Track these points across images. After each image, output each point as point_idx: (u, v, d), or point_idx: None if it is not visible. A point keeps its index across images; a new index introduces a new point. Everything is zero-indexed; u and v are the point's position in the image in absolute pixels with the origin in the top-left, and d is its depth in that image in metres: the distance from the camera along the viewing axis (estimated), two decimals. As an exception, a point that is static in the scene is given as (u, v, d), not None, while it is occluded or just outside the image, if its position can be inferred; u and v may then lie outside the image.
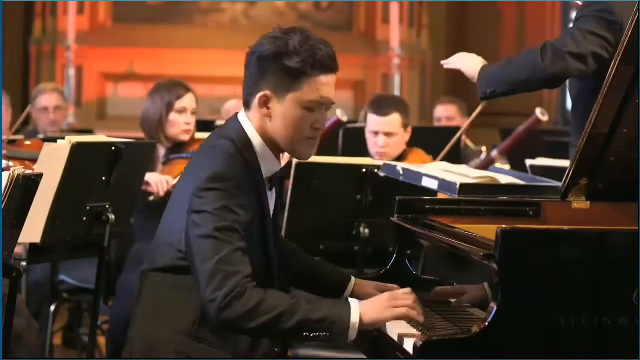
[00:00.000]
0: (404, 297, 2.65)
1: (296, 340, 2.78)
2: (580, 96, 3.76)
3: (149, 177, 4.46)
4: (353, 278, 3.02)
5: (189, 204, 2.68)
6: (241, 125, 2.80)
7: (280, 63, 2.72)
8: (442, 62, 3.91)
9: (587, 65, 3.57)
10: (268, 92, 2.75)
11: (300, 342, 2.80)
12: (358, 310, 2.59)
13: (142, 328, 2.80)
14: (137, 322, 2.83)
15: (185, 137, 4.72)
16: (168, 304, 2.75)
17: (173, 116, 4.67)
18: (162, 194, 4.47)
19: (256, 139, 2.78)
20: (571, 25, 3.75)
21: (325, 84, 2.76)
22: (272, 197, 2.85)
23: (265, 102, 2.76)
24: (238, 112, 2.85)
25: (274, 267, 2.82)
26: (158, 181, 4.46)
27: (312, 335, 2.58)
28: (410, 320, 2.70)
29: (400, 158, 4.99)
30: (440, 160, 5.17)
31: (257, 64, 2.76)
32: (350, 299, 2.66)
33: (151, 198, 4.46)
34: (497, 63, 3.78)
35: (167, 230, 2.80)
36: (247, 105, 2.81)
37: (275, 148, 2.81)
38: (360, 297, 2.76)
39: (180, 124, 4.68)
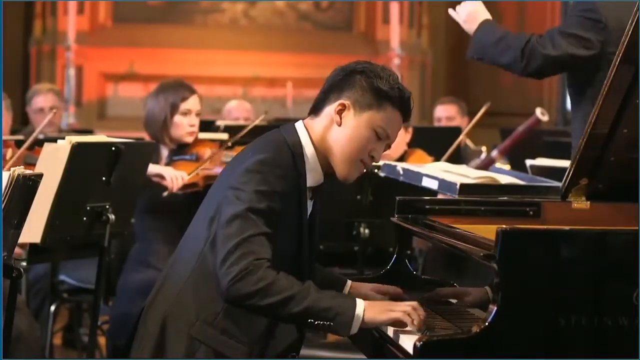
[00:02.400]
0: (403, 304, 2.67)
1: (299, 325, 2.79)
2: (580, 97, 3.78)
3: (164, 170, 4.43)
4: (349, 281, 3.05)
5: (230, 181, 2.71)
6: (296, 132, 2.83)
7: (371, 81, 2.78)
8: (449, 10, 4.06)
9: (562, 66, 3.77)
10: (348, 102, 2.79)
11: (303, 328, 2.81)
12: (362, 307, 2.63)
13: (162, 308, 2.80)
14: (158, 304, 2.82)
15: (190, 139, 4.69)
16: (197, 289, 2.76)
17: (178, 118, 4.64)
18: (175, 189, 4.44)
19: (309, 148, 2.81)
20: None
21: (397, 124, 2.83)
22: (309, 206, 2.86)
23: (340, 111, 2.79)
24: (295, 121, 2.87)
25: (304, 269, 2.82)
26: (173, 176, 4.42)
27: (316, 323, 2.61)
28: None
29: (401, 159, 4.98)
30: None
31: (346, 76, 2.81)
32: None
33: (165, 193, 4.42)
34: (495, 32, 3.93)
35: (204, 216, 2.80)
36: (315, 111, 2.85)
37: (324, 162, 2.83)
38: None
39: (185, 126, 4.66)
